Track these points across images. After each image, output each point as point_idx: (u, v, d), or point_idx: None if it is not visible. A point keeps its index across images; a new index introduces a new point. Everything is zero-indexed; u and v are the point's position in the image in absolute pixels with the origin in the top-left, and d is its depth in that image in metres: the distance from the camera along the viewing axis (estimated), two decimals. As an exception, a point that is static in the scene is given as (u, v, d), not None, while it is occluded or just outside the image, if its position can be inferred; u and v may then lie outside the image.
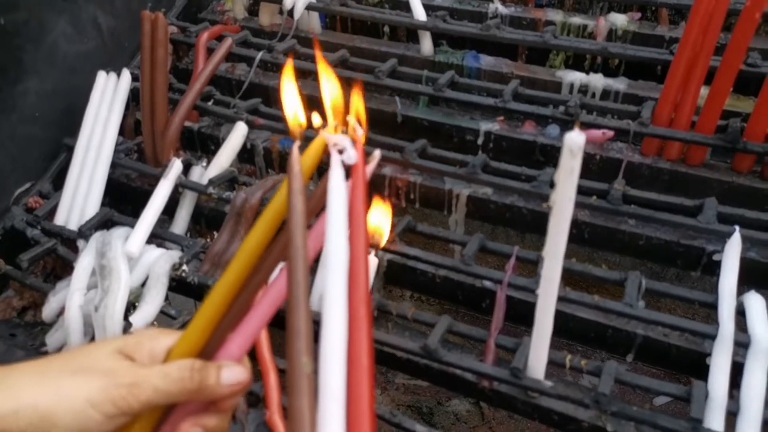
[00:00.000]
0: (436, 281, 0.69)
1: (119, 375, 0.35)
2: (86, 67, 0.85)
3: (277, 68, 0.94)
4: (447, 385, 0.63)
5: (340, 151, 0.35)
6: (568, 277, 0.59)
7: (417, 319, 0.63)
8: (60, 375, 0.34)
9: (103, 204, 0.78)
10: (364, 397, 0.32)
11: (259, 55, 0.91)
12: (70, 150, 0.82)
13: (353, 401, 0.32)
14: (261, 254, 0.35)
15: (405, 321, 0.64)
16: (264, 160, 0.84)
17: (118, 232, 0.70)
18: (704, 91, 0.72)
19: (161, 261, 0.68)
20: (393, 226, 0.69)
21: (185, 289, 0.70)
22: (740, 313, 0.57)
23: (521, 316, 0.63)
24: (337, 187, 0.34)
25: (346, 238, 0.34)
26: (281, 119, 0.83)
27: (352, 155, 0.35)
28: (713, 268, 0.64)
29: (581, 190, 0.66)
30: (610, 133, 0.75)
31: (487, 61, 0.93)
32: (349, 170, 0.36)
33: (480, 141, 0.83)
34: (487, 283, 0.66)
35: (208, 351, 0.37)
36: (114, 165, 0.80)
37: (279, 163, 0.84)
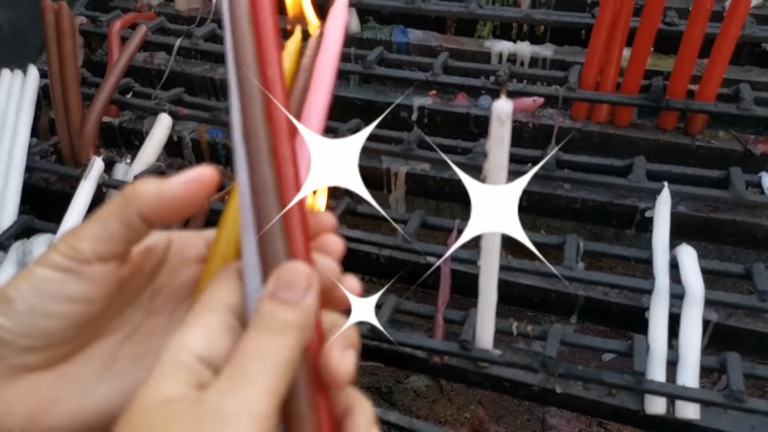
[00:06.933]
0: (381, 261, 0.68)
1: None
2: (-13, 65, 0.79)
3: (198, 55, 0.90)
4: (399, 364, 0.63)
5: None
6: (511, 245, 0.59)
7: (364, 302, 0.62)
8: None
9: (22, 211, 0.73)
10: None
11: (178, 41, 0.86)
12: (-22, 156, 0.76)
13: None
14: None
15: (352, 304, 0.63)
16: (193, 153, 0.81)
17: (39, 239, 0.66)
18: (627, 52, 0.73)
19: (90, 267, 0.64)
20: (332, 209, 0.67)
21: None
22: (674, 266, 0.59)
23: (468, 288, 0.63)
24: None
25: None
26: (207, 108, 0.79)
27: None
28: (647, 225, 0.66)
29: (516, 159, 0.66)
30: (541, 100, 0.76)
31: (415, 35, 0.92)
32: None
33: (414, 116, 0.82)
34: (431, 259, 0.66)
35: None
36: (30, 169, 0.75)
37: (209, 154, 0.81)
